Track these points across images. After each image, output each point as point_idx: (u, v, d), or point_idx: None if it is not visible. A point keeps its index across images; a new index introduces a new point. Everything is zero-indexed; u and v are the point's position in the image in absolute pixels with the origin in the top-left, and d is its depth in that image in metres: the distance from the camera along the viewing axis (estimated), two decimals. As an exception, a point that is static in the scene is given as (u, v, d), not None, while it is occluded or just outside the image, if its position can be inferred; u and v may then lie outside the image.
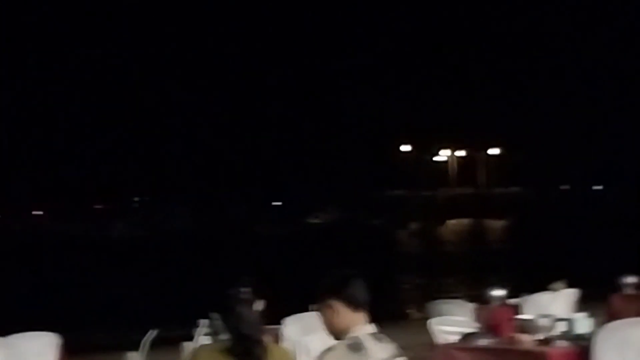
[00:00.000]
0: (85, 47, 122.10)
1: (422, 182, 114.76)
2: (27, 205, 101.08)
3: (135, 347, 8.44)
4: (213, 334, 6.43)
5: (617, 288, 11.60)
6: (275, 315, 7.89)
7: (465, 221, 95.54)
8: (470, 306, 10.86)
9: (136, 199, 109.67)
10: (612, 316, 10.22)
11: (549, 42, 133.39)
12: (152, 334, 7.37)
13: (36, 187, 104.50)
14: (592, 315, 9.09)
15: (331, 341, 4.09)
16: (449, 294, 22.54)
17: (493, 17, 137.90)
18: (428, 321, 9.54)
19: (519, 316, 8.49)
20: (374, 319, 4.13)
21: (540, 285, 11.46)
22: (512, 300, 10.94)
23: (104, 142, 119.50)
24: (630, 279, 11.51)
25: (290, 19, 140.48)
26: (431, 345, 9.19)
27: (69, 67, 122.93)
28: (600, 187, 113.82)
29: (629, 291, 11.43)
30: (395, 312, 19.99)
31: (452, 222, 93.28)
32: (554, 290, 11.16)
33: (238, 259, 36.03)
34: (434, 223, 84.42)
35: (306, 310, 8.38)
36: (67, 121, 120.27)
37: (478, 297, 11.64)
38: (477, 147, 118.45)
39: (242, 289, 4.17)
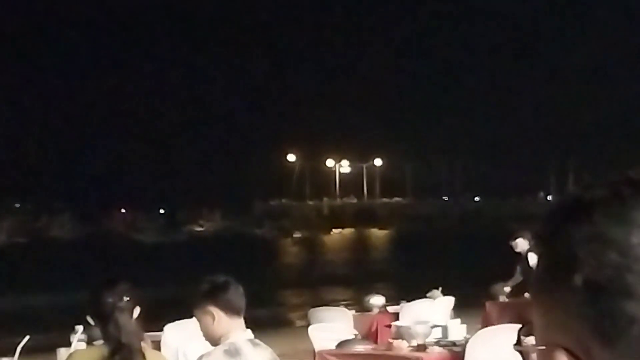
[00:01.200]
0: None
1: (308, 192, 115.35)
2: None
3: (11, 353, 8.29)
4: (89, 340, 6.36)
5: (491, 296, 11.95)
6: (156, 322, 7.84)
7: (349, 231, 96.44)
8: (350, 313, 11.01)
9: (17, 205, 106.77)
10: (487, 323, 10.51)
11: (426, 56, 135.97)
12: (25, 340, 7.25)
13: None
14: (466, 322, 9.36)
15: (211, 348, 4.11)
16: (331, 301, 22.74)
17: (382, 31, 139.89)
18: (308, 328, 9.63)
19: (396, 323, 8.65)
20: (257, 326, 4.16)
21: (419, 293, 11.70)
22: (392, 308, 11.14)
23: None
24: (504, 287, 11.87)
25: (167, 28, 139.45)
26: (312, 352, 9.27)
27: None
28: (478, 199, 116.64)
29: (503, 299, 11.78)
30: (277, 320, 20.05)
31: (336, 232, 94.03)
32: (432, 298, 11.41)
33: (118, 266, 35.52)
34: (318, 232, 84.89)
35: (188, 317, 8.35)
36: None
37: (359, 305, 11.81)
38: (362, 158, 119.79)
39: (120, 296, 4.15)
